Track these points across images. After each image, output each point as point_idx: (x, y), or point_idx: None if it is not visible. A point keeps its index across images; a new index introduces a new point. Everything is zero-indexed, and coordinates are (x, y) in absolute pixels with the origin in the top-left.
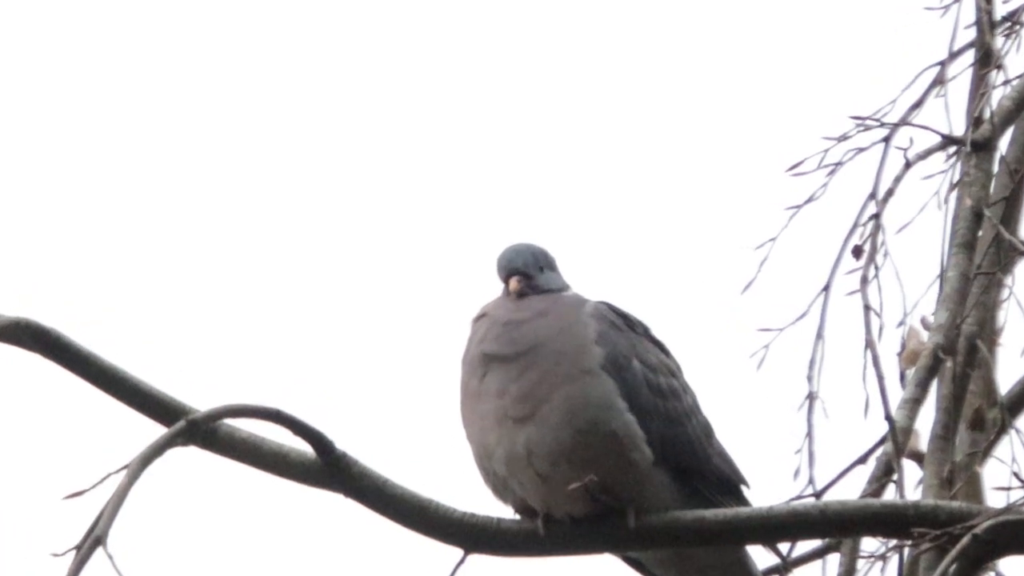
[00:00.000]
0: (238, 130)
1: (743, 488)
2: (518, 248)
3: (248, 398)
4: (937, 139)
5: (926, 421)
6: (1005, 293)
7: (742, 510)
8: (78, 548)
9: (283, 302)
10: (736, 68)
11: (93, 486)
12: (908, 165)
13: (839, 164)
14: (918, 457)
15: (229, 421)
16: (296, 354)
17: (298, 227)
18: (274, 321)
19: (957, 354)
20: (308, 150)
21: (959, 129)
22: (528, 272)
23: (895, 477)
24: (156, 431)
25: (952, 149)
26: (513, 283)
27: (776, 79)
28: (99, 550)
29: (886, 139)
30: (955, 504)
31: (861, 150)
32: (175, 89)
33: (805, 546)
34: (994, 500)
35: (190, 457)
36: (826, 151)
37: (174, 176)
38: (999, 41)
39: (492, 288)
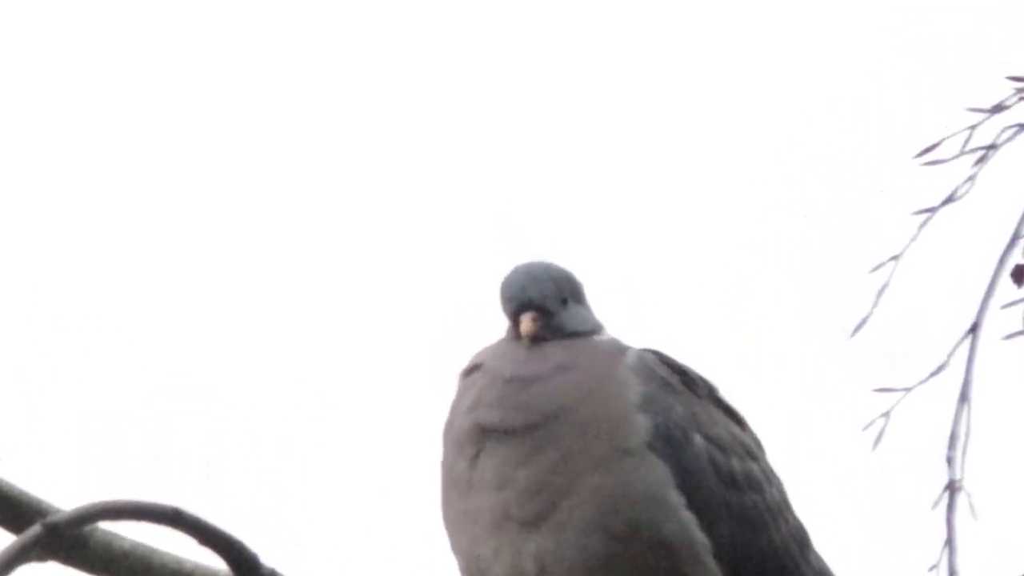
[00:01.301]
0: (227, 132)
1: None
2: (533, 271)
3: (133, 493)
4: None
5: None
6: None
7: None
8: None
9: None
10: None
11: None
12: None
13: (992, 147)
14: None
15: (105, 525)
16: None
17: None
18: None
19: None
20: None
21: None
22: (547, 307)
23: None
24: (3, 540)
25: None
26: (526, 323)
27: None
28: None
29: None
30: None
31: None
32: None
33: None
34: None
35: None
36: (972, 128)
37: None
38: None
39: (492, 329)
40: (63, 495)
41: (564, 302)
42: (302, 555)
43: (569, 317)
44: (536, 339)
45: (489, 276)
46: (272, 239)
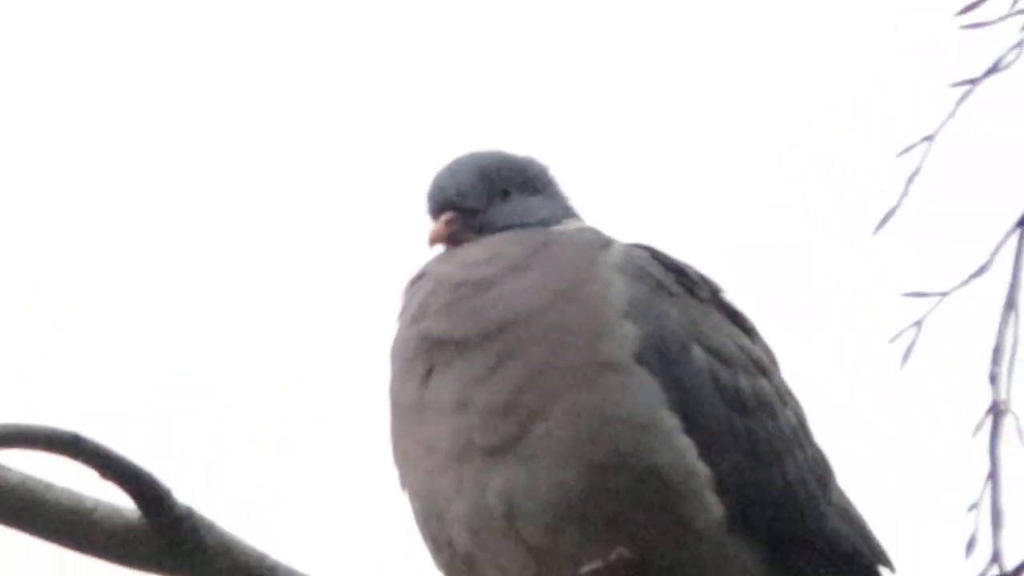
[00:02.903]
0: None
1: (882, 570)
2: (458, 165)
3: (28, 415)
4: None
5: None
6: None
7: None
8: None
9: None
10: None
11: None
12: None
13: None
14: None
15: None
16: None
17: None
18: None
19: None
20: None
21: None
22: (467, 205)
23: None
24: None
25: None
26: (436, 226)
27: None
28: None
29: None
30: None
31: None
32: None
33: None
34: None
35: None
36: None
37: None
38: None
39: None
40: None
41: (504, 193)
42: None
43: (505, 211)
44: (455, 241)
45: None
46: (273, 239)
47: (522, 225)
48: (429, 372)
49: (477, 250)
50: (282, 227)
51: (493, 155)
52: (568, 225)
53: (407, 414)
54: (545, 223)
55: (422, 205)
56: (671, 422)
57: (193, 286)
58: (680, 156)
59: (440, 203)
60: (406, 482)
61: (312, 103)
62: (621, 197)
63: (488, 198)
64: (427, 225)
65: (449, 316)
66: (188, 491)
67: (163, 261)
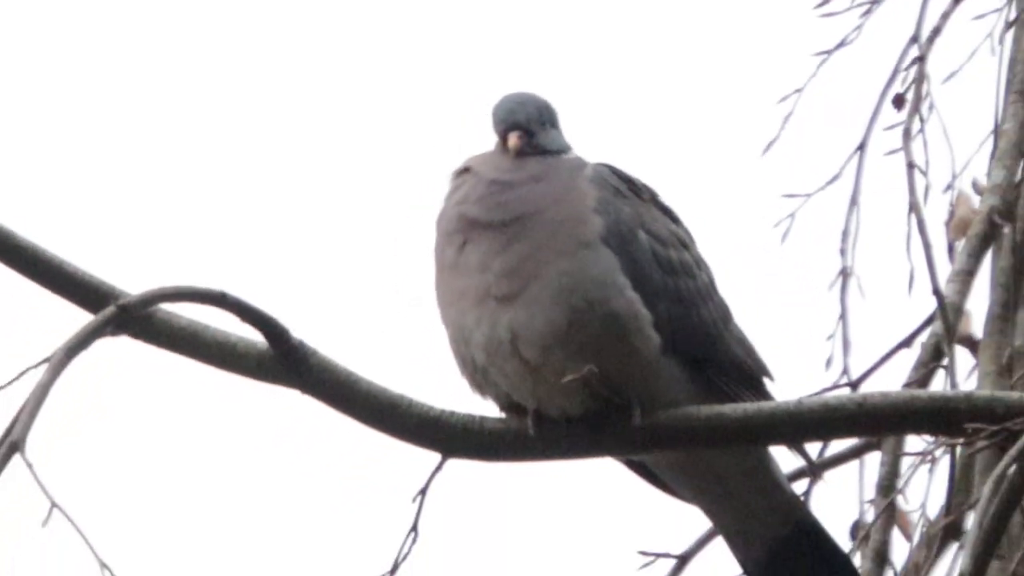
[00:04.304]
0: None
1: (766, 381)
2: (521, 99)
3: (188, 280)
4: None
5: (980, 300)
6: None
7: (765, 404)
8: None
9: (237, 174)
10: None
11: (9, 383)
12: (957, 1)
13: (875, 1)
14: (971, 343)
15: (166, 306)
16: (248, 233)
17: (251, 86)
18: (225, 197)
19: (1017, 219)
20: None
21: None
22: (531, 127)
23: (945, 363)
24: (82, 319)
25: None
26: (513, 139)
27: None
28: (16, 457)
29: None
30: (1015, 395)
31: None
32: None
33: (836, 447)
34: None
35: (121, 349)
36: None
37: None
38: None
39: (481, 143)
40: (130, 282)
41: (544, 125)
42: (320, 331)
43: (547, 137)
44: (520, 153)
45: None
46: (223, 109)
47: (550, 151)
48: (464, 243)
49: (511, 162)
50: (233, 92)
51: (539, 97)
52: (569, 154)
53: (446, 271)
54: (560, 150)
55: (493, 123)
56: (624, 281)
57: (136, 162)
58: None
59: (511, 124)
60: (444, 318)
61: (310, 101)
62: (622, 42)
63: (540, 125)
64: (499, 137)
65: (482, 205)
66: (300, 330)
67: (108, 136)
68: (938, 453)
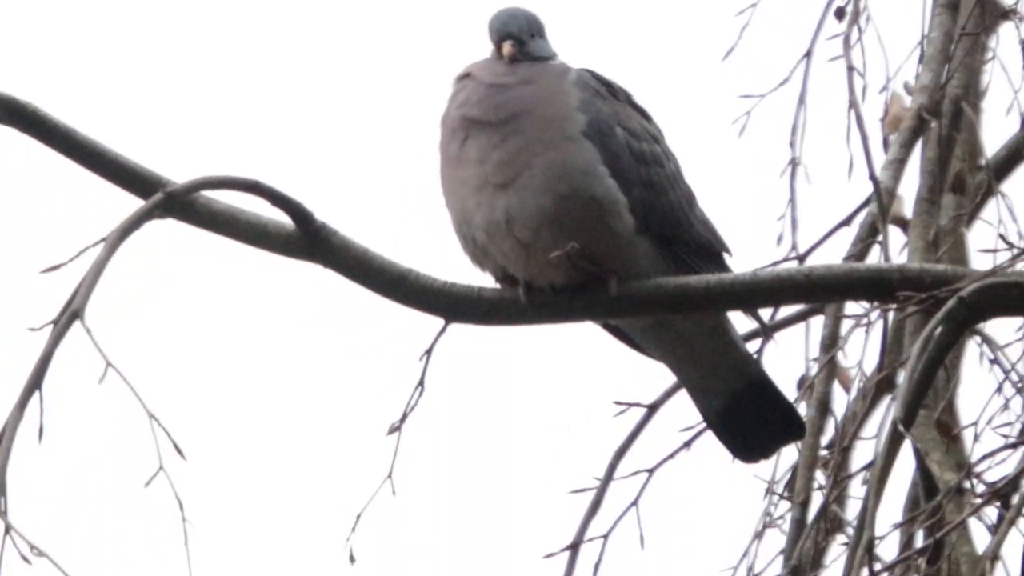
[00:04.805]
0: None
1: (725, 256)
2: (513, 12)
3: (226, 170)
4: None
5: (911, 185)
6: (989, 55)
7: (726, 276)
8: (55, 322)
9: (258, 71)
10: None
11: (70, 260)
12: None
13: None
14: (902, 223)
15: (207, 193)
16: (272, 126)
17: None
18: (249, 91)
19: (942, 116)
20: None
21: None
22: (522, 37)
23: (880, 239)
24: (134, 204)
25: None
26: (507, 48)
27: None
28: (76, 324)
29: None
30: (940, 267)
31: None
32: None
33: (785, 312)
34: (980, 263)
35: (167, 230)
36: None
37: None
38: None
39: (477, 51)
40: (175, 172)
41: (532, 36)
42: (339, 214)
43: (536, 47)
44: (513, 60)
45: None
46: (249, 13)
47: (538, 58)
48: (465, 139)
49: (505, 68)
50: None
51: (528, 11)
52: (555, 60)
53: (450, 163)
54: (548, 57)
55: (488, 34)
56: (603, 170)
57: (169, 61)
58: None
59: (504, 34)
60: (448, 203)
61: (307, 96)
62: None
63: (530, 35)
64: (494, 46)
65: (480, 106)
66: (323, 213)
67: (140, 35)
68: (873, 317)
